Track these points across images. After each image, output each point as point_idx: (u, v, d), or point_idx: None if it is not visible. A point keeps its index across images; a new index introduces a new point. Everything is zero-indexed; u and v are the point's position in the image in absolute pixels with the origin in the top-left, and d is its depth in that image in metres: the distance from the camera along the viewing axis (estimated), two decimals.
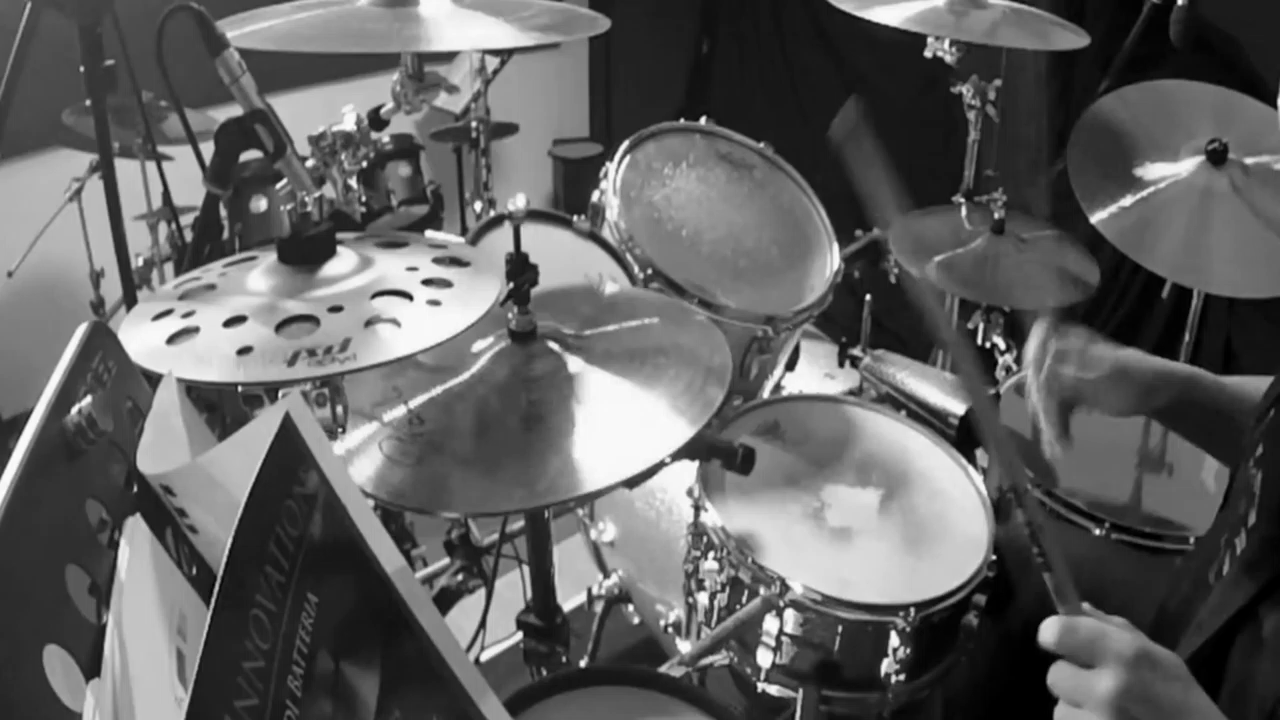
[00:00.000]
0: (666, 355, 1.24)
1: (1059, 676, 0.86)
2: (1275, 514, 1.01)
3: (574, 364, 1.21)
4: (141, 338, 0.97)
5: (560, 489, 1.07)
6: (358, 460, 1.10)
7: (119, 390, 0.76)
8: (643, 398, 1.17)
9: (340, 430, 1.08)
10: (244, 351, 0.94)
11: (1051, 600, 0.90)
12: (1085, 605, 0.91)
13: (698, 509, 1.46)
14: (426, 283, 1.06)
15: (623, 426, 1.14)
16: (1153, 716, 0.82)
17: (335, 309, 1.00)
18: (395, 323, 0.99)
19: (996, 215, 2.06)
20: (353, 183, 1.59)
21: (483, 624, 1.73)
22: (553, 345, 1.23)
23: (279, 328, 0.98)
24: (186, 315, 1.00)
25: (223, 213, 2.13)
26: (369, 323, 0.98)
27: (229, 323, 0.98)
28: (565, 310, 1.31)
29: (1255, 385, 1.22)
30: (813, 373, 2.13)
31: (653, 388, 1.18)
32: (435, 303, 1.03)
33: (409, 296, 1.03)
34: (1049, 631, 0.87)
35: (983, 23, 1.95)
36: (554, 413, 1.15)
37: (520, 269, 1.17)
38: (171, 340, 0.96)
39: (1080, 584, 0.89)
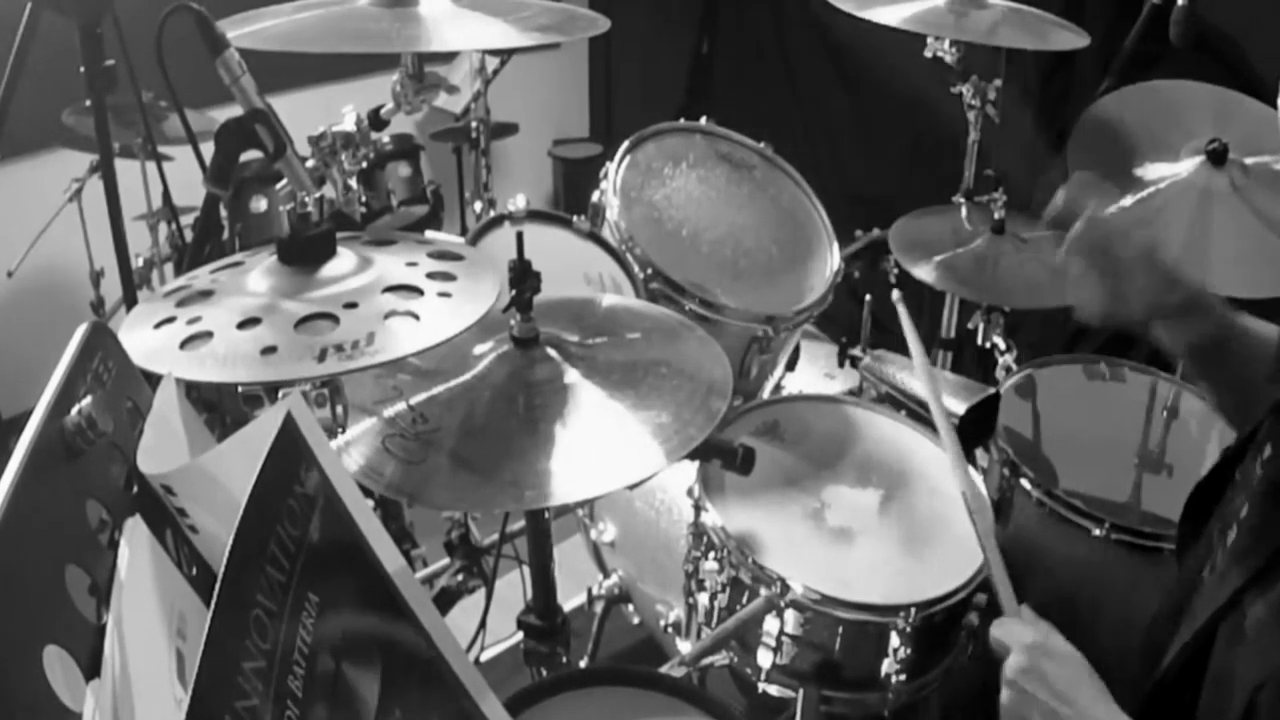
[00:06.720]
0: (666, 368, 1.23)
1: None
2: (1264, 506, 1.02)
3: (572, 373, 1.20)
4: (153, 343, 0.96)
5: (551, 494, 1.07)
6: (360, 452, 1.11)
7: (119, 390, 0.76)
8: (638, 412, 1.16)
9: (340, 430, 1.08)
10: (268, 351, 0.93)
11: (1051, 603, 0.94)
12: (1022, 608, 1.12)
13: (698, 509, 1.46)
14: (430, 277, 1.06)
15: (616, 438, 1.14)
16: (1045, 693, 1.01)
17: (350, 305, 1.00)
18: (414, 315, 0.99)
19: (996, 215, 2.05)
20: (353, 183, 1.59)
21: (483, 624, 1.73)
22: (553, 353, 1.22)
23: (297, 326, 0.97)
24: (193, 321, 0.99)
25: (223, 213, 2.13)
26: (388, 315, 0.99)
27: (243, 324, 0.98)
28: (569, 318, 1.31)
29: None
30: (813, 373, 2.13)
31: (649, 403, 1.17)
32: (445, 295, 1.03)
33: (419, 291, 1.03)
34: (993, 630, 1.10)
35: (983, 23, 1.95)
36: (551, 419, 1.15)
37: (523, 276, 1.17)
38: (185, 345, 0.95)
39: (1079, 588, 0.93)
